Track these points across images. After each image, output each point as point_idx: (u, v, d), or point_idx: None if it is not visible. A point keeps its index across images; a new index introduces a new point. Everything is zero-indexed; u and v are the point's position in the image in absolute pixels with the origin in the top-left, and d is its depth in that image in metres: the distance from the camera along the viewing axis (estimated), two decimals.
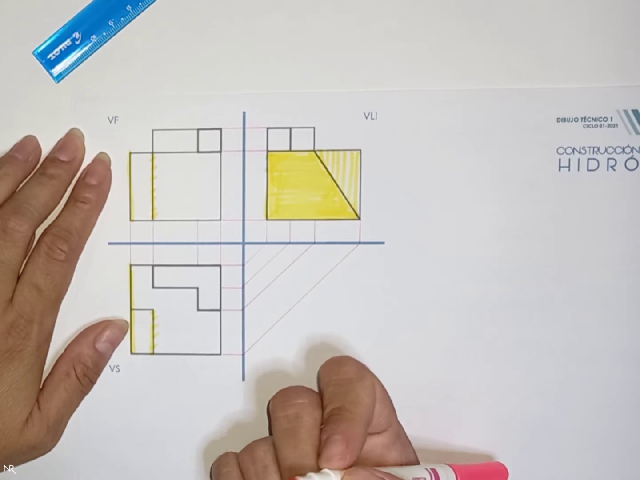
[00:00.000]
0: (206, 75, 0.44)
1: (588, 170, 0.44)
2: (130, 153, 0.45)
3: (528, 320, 0.44)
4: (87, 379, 0.43)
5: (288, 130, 0.44)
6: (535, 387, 0.44)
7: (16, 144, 0.44)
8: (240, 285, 0.44)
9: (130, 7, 0.44)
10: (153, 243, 0.45)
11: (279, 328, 0.44)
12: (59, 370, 0.43)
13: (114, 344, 0.44)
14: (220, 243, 0.44)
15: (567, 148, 0.43)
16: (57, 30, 0.44)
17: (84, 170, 0.44)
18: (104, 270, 0.45)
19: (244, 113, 0.44)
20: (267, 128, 0.44)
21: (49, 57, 0.44)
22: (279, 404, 0.40)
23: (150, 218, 0.45)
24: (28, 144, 0.44)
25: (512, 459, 0.44)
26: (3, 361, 0.41)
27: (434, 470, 0.40)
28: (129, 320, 0.45)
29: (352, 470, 0.36)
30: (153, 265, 0.45)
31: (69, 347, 0.43)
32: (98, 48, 0.44)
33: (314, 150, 0.44)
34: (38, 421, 0.42)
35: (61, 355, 0.43)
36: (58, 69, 0.44)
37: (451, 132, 0.44)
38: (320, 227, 0.44)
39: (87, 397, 0.44)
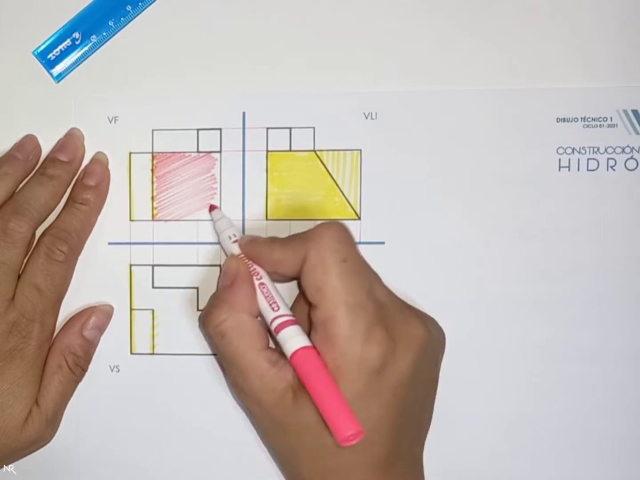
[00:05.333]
0: (206, 75, 0.44)
1: (588, 170, 0.44)
2: (130, 153, 0.45)
3: (528, 320, 0.44)
4: (79, 368, 0.43)
5: (288, 130, 0.44)
6: (535, 387, 0.44)
7: (16, 144, 0.44)
8: None
9: (130, 7, 0.44)
10: (153, 243, 0.45)
11: None
12: (50, 363, 0.43)
13: (101, 329, 0.44)
14: (221, 243, 0.44)
15: (567, 148, 0.43)
16: (57, 30, 0.44)
17: (82, 171, 0.44)
18: (104, 270, 0.45)
19: (243, 113, 0.44)
20: (267, 128, 0.44)
21: (49, 57, 0.44)
22: None
23: (150, 218, 0.45)
24: (28, 143, 0.44)
25: (512, 459, 0.44)
26: (4, 360, 0.41)
27: (282, 326, 0.39)
28: (129, 320, 0.45)
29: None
30: (153, 265, 0.45)
31: (57, 339, 0.43)
32: (98, 48, 0.44)
33: (314, 150, 0.44)
34: (37, 417, 0.42)
35: (51, 348, 0.43)
36: (58, 69, 0.45)
37: (451, 132, 0.44)
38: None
39: (87, 397, 0.44)
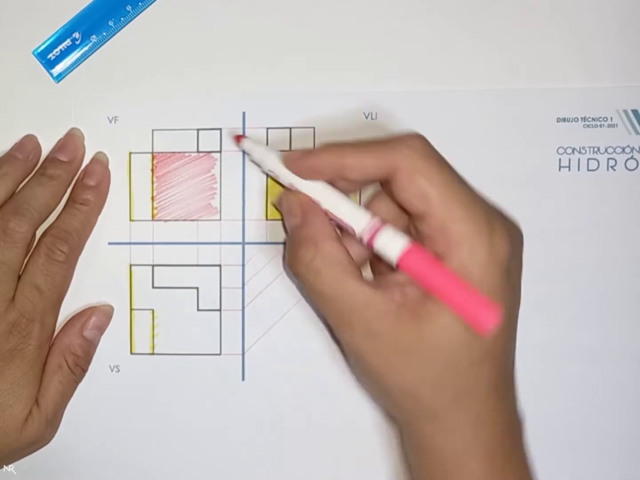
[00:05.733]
0: (206, 75, 0.44)
1: (588, 170, 0.44)
2: (130, 153, 0.45)
3: (528, 320, 0.44)
4: (79, 369, 0.43)
5: (288, 130, 0.44)
6: (535, 387, 0.44)
7: (16, 144, 0.44)
8: (240, 285, 0.45)
9: (130, 7, 0.44)
10: (153, 243, 0.45)
11: (279, 328, 0.44)
12: (50, 363, 0.43)
13: (101, 329, 0.44)
14: (220, 243, 0.44)
15: (567, 148, 0.43)
16: (57, 30, 0.44)
17: (82, 171, 0.44)
18: (104, 270, 0.45)
19: (243, 113, 0.44)
20: (267, 128, 0.44)
21: (49, 57, 0.44)
22: None
23: (150, 218, 0.45)
24: (28, 143, 0.44)
25: None
26: (4, 360, 0.41)
27: (377, 229, 0.36)
28: (129, 320, 0.45)
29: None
30: (153, 265, 0.45)
31: (57, 339, 0.43)
32: (98, 48, 0.44)
33: None
34: (37, 417, 0.42)
35: (51, 348, 0.43)
36: (58, 69, 0.45)
37: (451, 132, 0.44)
38: None
39: (87, 397, 0.44)
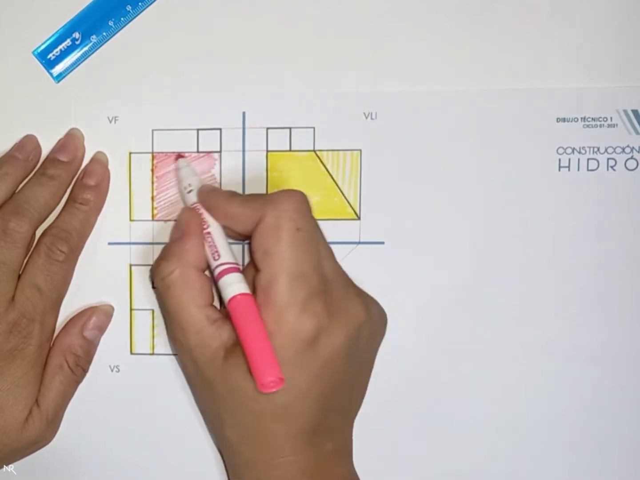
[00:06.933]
0: (206, 75, 0.44)
1: (588, 170, 0.44)
2: (130, 153, 0.45)
3: (528, 320, 0.44)
4: (79, 369, 0.43)
5: (288, 130, 0.44)
6: (534, 387, 0.44)
7: (16, 144, 0.44)
8: None
9: (130, 7, 0.44)
10: (153, 243, 0.45)
11: None
12: (51, 363, 0.43)
13: (102, 329, 0.44)
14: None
15: (567, 148, 0.43)
16: (57, 30, 0.44)
17: (82, 171, 0.44)
18: (104, 270, 0.45)
19: (243, 113, 0.44)
20: (267, 128, 0.44)
21: (49, 57, 0.44)
22: None
23: (150, 218, 0.45)
24: (28, 144, 0.44)
25: (512, 459, 0.44)
26: (5, 360, 0.41)
27: (230, 270, 0.39)
28: (129, 321, 0.45)
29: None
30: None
31: (57, 339, 0.43)
32: (98, 48, 0.44)
33: (314, 150, 0.44)
34: (38, 418, 0.42)
35: (51, 348, 0.43)
36: (58, 69, 0.45)
37: (451, 132, 0.44)
38: (320, 226, 0.44)
39: (87, 397, 0.44)
